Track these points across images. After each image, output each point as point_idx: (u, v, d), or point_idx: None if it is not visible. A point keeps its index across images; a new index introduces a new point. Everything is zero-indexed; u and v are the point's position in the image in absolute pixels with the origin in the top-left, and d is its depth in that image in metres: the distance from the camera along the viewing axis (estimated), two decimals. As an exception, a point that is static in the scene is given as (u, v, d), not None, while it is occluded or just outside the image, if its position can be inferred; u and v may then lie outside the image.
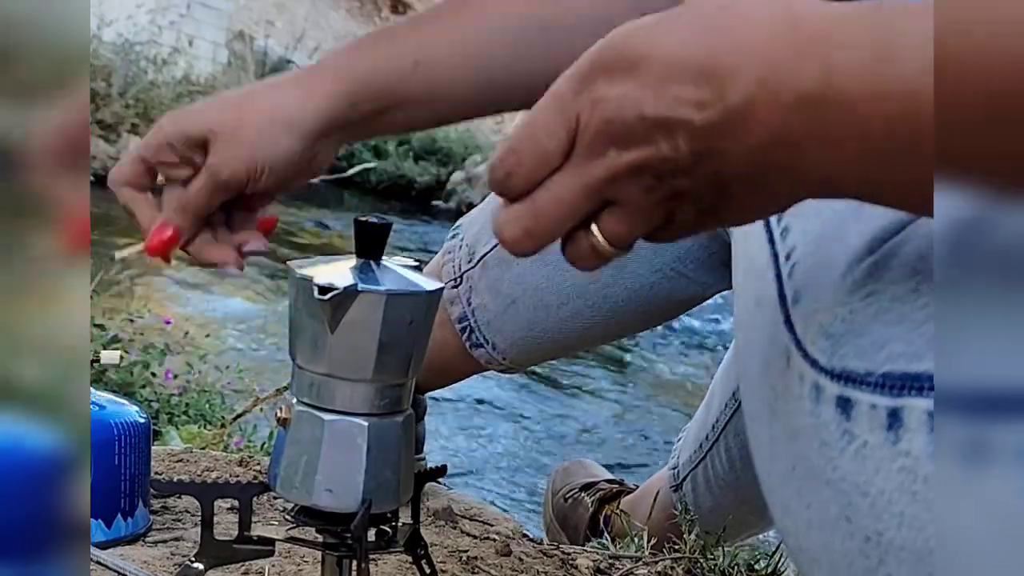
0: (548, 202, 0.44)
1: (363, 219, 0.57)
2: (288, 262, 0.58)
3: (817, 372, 0.51)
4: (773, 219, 0.60)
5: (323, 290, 0.54)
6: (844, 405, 0.49)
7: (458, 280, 0.96)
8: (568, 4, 0.80)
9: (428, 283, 0.58)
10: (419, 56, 0.76)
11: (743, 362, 0.62)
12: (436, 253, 1.01)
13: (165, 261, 0.75)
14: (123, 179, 0.75)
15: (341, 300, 0.55)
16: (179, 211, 0.73)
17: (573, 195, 0.44)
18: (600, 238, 0.45)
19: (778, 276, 0.57)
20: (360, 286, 0.55)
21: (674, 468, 1.14)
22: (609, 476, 1.28)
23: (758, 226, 0.62)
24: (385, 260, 0.58)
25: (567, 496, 1.25)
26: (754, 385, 0.59)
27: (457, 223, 1.02)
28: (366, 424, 0.57)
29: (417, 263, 0.61)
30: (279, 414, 0.58)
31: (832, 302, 0.51)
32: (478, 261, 0.95)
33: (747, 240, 0.64)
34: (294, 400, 0.58)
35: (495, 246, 0.94)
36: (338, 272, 0.56)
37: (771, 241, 0.60)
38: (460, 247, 0.97)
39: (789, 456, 0.54)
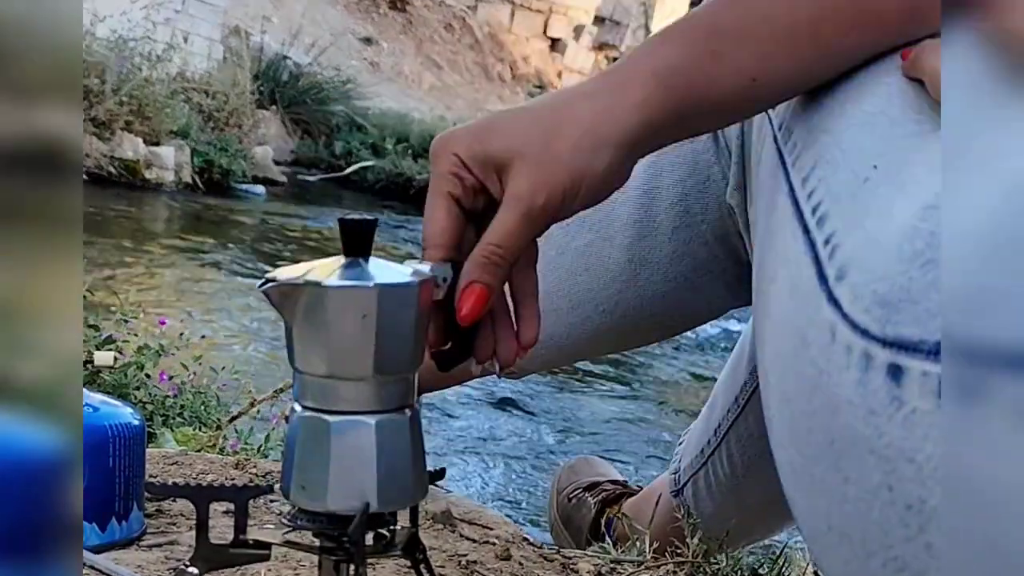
0: None
1: (347, 217, 0.56)
2: (276, 269, 0.57)
3: (867, 341, 0.52)
4: (806, 210, 0.61)
5: (312, 291, 0.54)
6: (895, 372, 0.50)
7: None
8: None
9: (418, 275, 0.58)
10: (757, 74, 0.64)
11: (771, 350, 0.63)
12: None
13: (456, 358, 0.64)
14: (443, 237, 0.62)
15: (333, 299, 0.54)
16: (484, 262, 0.61)
17: None
18: None
19: (816, 260, 0.58)
20: (350, 283, 0.55)
21: (675, 473, 1.12)
22: (615, 476, 1.27)
23: (788, 220, 0.63)
24: (373, 257, 0.57)
25: (571, 496, 1.24)
26: (788, 367, 0.59)
27: None
28: (372, 422, 0.56)
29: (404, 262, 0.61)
30: (285, 414, 0.58)
31: (888, 271, 0.52)
32: None
33: (775, 237, 0.65)
34: (298, 406, 0.57)
35: None
36: (326, 271, 0.55)
37: (806, 231, 0.60)
38: None
39: (829, 430, 0.55)
